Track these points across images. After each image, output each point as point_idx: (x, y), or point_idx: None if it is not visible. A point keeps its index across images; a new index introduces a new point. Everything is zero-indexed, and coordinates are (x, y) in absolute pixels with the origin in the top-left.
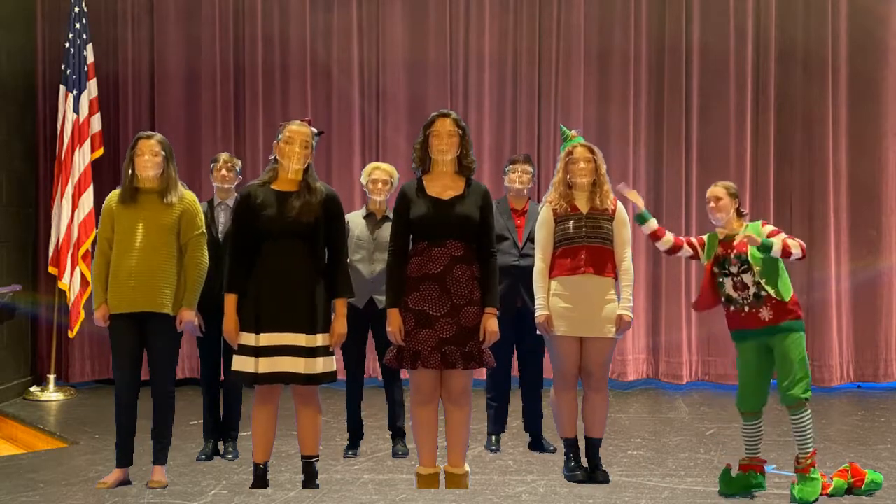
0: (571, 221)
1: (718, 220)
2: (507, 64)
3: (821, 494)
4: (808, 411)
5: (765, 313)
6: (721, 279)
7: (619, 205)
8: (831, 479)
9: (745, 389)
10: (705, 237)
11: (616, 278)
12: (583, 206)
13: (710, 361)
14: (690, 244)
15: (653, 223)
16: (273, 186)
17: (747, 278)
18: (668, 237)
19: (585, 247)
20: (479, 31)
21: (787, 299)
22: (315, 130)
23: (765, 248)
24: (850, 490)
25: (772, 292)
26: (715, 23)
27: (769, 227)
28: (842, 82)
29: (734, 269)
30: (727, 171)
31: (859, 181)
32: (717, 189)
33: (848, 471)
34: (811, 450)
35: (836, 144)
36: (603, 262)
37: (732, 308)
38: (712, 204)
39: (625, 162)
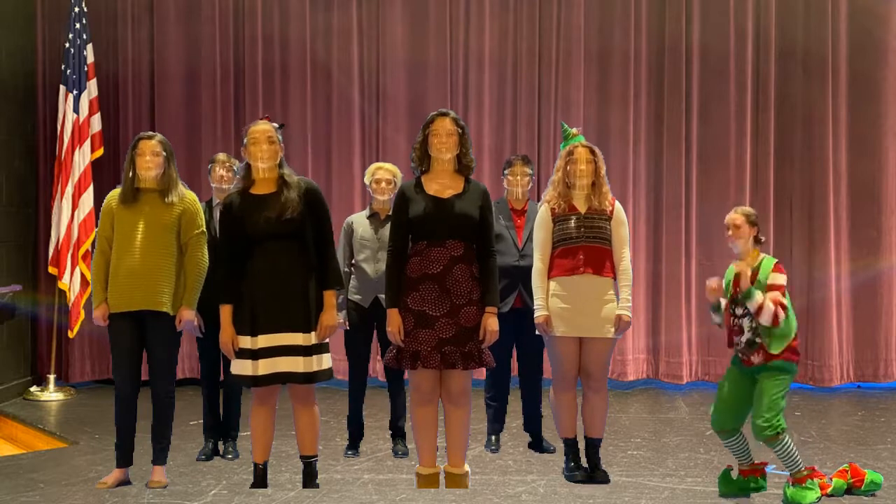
0: (570, 221)
1: (736, 247)
2: (507, 64)
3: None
4: (785, 439)
5: (756, 358)
6: (731, 317)
7: (617, 204)
8: (831, 479)
9: (721, 408)
10: (726, 276)
11: (615, 278)
12: (581, 205)
13: (710, 361)
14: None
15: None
16: (252, 191)
17: (745, 323)
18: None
19: (584, 247)
20: (479, 31)
21: (776, 352)
22: (276, 125)
23: (746, 295)
24: (849, 490)
25: (764, 342)
26: (715, 23)
27: (780, 277)
28: (842, 82)
29: (738, 311)
30: (727, 171)
31: (859, 181)
32: (736, 216)
33: (847, 471)
34: (802, 467)
35: (836, 144)
36: (601, 262)
37: (734, 346)
38: (730, 232)
39: (625, 162)
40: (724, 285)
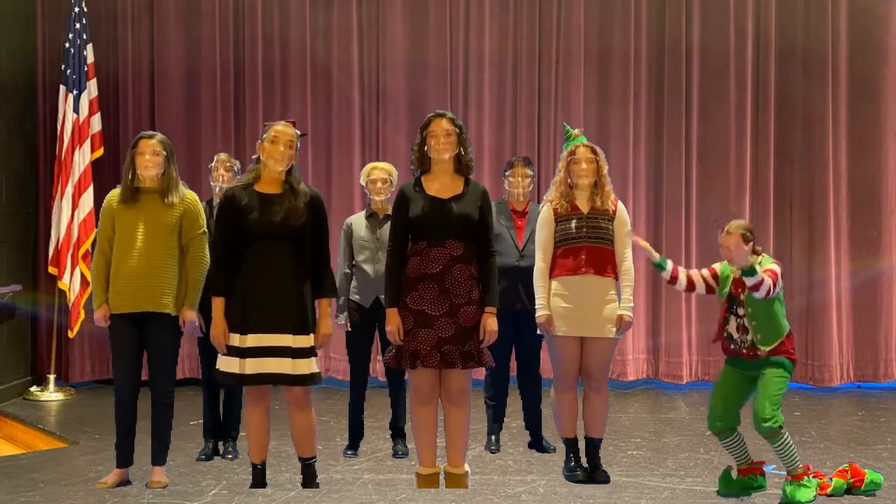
0: (572, 221)
1: (736, 264)
2: (507, 64)
3: (820, 494)
4: (785, 435)
5: (762, 352)
6: (728, 316)
7: (620, 204)
8: (831, 479)
9: (717, 410)
10: (720, 268)
11: (616, 278)
12: (583, 205)
13: (710, 361)
14: (704, 280)
15: (669, 267)
16: (256, 188)
17: (748, 322)
18: (682, 278)
19: (586, 247)
20: (479, 31)
21: (766, 349)
22: (299, 132)
23: (748, 272)
24: (849, 490)
25: (758, 337)
26: (715, 23)
27: (774, 265)
28: (842, 82)
29: (741, 311)
30: (727, 171)
31: (859, 181)
32: (731, 238)
33: (847, 471)
34: (799, 464)
35: (836, 144)
36: (603, 262)
37: (732, 346)
38: (730, 249)
39: (625, 162)
40: (720, 285)
